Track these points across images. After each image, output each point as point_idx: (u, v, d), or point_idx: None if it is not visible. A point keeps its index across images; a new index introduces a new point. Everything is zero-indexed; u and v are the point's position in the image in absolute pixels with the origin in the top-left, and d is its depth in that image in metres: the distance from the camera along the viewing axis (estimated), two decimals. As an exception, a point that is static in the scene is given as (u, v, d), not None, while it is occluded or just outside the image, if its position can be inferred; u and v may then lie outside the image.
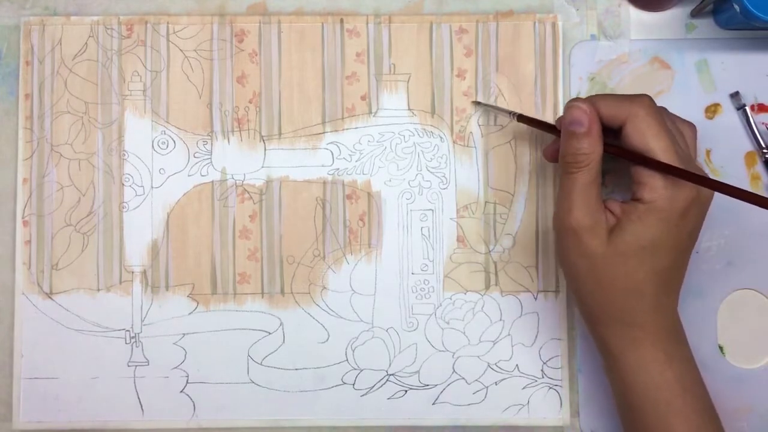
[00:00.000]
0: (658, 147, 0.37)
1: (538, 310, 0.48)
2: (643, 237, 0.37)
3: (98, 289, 0.48)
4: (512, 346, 0.48)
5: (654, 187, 0.37)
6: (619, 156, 0.39)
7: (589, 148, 0.38)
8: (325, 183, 0.48)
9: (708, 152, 0.48)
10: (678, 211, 0.37)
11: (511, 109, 0.47)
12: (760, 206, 0.34)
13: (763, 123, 0.48)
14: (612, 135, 0.39)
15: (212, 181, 0.48)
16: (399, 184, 0.48)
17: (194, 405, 0.47)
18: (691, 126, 0.42)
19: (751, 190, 0.48)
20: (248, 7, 0.49)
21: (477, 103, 0.48)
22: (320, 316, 0.48)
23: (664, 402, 0.39)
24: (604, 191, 0.47)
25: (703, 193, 0.38)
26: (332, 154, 0.48)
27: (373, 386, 0.48)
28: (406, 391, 0.48)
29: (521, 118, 0.45)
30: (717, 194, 0.47)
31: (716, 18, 0.48)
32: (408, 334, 0.48)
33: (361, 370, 0.48)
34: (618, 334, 0.39)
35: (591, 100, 0.39)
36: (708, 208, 0.39)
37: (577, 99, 0.39)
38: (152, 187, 0.48)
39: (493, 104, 0.48)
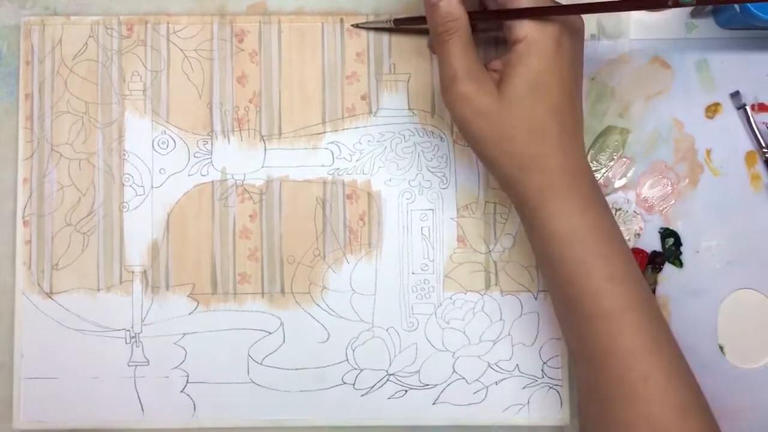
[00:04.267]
0: None
1: (539, 310, 0.48)
2: (528, 75, 0.38)
3: (98, 289, 0.48)
4: (512, 346, 0.48)
5: (522, 23, 0.39)
6: (486, 18, 0.41)
7: (454, 12, 0.39)
8: (325, 183, 0.48)
9: (708, 152, 0.48)
10: (552, 40, 0.38)
11: (386, 17, 0.47)
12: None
13: (763, 123, 0.48)
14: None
15: (212, 181, 0.48)
16: (399, 184, 0.48)
17: (194, 405, 0.47)
18: None
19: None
20: (248, 6, 0.49)
21: (355, 26, 0.48)
22: (320, 316, 0.48)
23: (583, 247, 0.39)
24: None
25: (570, 20, 0.39)
26: (332, 153, 0.48)
27: (374, 386, 0.48)
28: (406, 391, 0.48)
29: (398, 21, 0.46)
30: (720, 196, 0.47)
31: (716, 18, 0.48)
32: (408, 333, 0.48)
33: (362, 370, 0.48)
34: (533, 184, 0.39)
35: None
36: (582, 35, 0.40)
37: None
38: (152, 187, 0.48)
39: (369, 22, 0.48)
